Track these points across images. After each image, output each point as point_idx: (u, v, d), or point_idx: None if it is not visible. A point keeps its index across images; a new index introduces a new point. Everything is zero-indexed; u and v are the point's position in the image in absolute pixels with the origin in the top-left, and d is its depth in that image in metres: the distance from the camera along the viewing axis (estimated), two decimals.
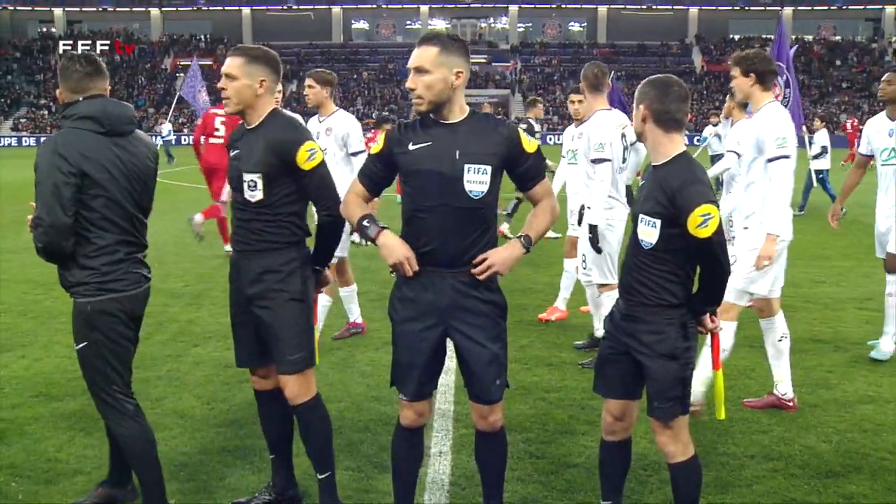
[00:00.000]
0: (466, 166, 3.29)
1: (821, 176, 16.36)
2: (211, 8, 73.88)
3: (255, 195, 3.64)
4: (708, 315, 3.43)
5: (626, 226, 5.95)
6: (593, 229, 6.13)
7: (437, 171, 3.29)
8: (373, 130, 16.06)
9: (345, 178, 5.95)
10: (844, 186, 6.81)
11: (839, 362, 6.34)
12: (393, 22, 77.59)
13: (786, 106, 8.84)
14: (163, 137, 36.02)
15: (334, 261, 6.00)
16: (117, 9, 73.78)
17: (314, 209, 3.79)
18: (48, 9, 73.40)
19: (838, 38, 72.41)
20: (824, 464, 4.47)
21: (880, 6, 71.41)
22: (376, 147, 3.47)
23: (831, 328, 7.40)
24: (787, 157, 4.94)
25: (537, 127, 13.83)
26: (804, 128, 15.44)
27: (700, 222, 3.16)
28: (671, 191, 3.22)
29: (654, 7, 72.51)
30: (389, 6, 74.38)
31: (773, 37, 9.56)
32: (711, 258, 3.26)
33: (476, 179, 3.30)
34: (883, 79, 6.37)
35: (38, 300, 8.41)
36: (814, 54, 69.38)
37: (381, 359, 6.28)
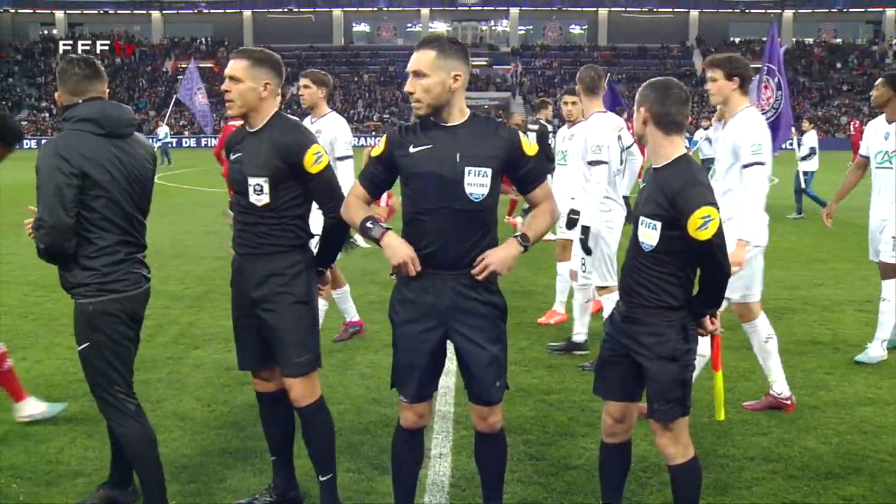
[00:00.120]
0: (467, 169, 3.29)
1: (806, 178, 16.36)
2: (212, 11, 73.94)
3: (262, 199, 3.63)
4: (708, 317, 3.44)
5: (624, 227, 5.97)
6: (585, 230, 6.14)
7: (438, 173, 3.30)
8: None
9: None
10: (842, 187, 6.79)
11: (838, 364, 6.34)
12: (394, 25, 77.64)
13: (777, 108, 8.88)
14: (160, 140, 35.88)
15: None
16: (118, 11, 73.89)
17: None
18: (49, 11, 73.51)
19: (839, 40, 72.45)
20: (824, 466, 4.48)
21: (881, 9, 71.50)
22: (377, 149, 3.48)
23: (830, 330, 7.41)
24: (761, 163, 4.87)
25: (550, 127, 13.29)
26: (793, 129, 15.43)
27: (700, 224, 3.17)
28: (671, 193, 3.23)
29: (654, 10, 72.56)
30: (390, 9, 74.42)
31: None
32: (712, 260, 3.27)
33: (477, 182, 3.30)
34: (874, 85, 6.41)
35: (38, 302, 8.42)
36: (814, 57, 69.46)
37: (381, 361, 6.29)
